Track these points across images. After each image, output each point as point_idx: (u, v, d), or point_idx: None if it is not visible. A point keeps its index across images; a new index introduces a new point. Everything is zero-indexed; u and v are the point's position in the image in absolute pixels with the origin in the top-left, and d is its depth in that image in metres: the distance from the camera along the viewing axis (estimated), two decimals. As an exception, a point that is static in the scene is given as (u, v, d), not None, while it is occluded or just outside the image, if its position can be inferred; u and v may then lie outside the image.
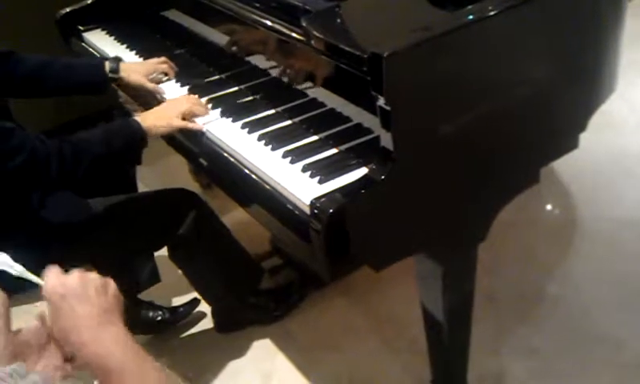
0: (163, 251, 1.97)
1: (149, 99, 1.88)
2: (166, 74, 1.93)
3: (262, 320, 2.18)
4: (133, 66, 1.94)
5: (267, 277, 2.24)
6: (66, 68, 1.91)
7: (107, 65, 1.89)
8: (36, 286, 1.02)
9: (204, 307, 2.22)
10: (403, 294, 2.19)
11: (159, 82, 1.91)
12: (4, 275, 1.06)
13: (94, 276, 0.99)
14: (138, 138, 1.64)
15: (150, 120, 1.66)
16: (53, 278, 0.97)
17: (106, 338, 0.93)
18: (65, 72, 1.91)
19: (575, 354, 1.94)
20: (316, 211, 1.23)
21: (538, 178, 1.54)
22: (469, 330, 1.67)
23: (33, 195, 1.67)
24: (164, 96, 1.86)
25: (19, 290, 1.49)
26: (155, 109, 1.73)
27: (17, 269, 1.07)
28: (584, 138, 1.61)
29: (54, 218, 1.69)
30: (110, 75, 1.88)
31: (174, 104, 1.72)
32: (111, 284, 1.00)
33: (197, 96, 1.76)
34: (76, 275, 0.97)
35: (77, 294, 0.94)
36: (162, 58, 1.94)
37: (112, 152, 1.60)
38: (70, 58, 1.98)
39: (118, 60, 1.93)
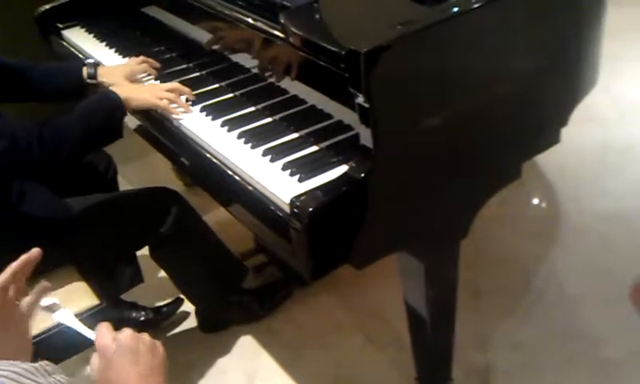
0: (146, 251, 1.95)
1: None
2: (146, 74, 1.90)
3: (246, 319, 2.17)
4: (112, 69, 1.91)
5: (252, 275, 2.23)
6: (43, 74, 1.88)
7: (85, 70, 1.86)
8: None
9: (188, 307, 2.21)
10: (387, 290, 2.18)
11: (140, 81, 1.88)
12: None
13: (145, 336, 1.02)
14: (118, 109, 1.63)
15: (127, 91, 1.67)
16: (105, 333, 1.00)
17: None
18: (42, 78, 1.88)
19: (559, 348, 1.94)
20: (296, 210, 1.22)
21: (520, 174, 1.53)
22: (453, 325, 1.67)
23: (12, 188, 1.64)
24: None
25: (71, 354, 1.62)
26: (133, 84, 1.74)
27: (74, 323, 1.13)
28: (567, 131, 1.60)
29: (32, 212, 1.67)
30: (88, 81, 1.86)
31: (154, 85, 1.75)
32: (160, 346, 1.03)
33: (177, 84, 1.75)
34: (128, 333, 1.00)
35: (128, 351, 0.97)
36: (141, 58, 1.91)
37: (92, 128, 1.60)
38: (48, 64, 1.94)
39: (95, 65, 1.89)
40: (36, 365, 0.72)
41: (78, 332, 1.11)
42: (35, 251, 1.12)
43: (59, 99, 1.94)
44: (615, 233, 2.35)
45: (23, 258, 1.11)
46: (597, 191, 2.58)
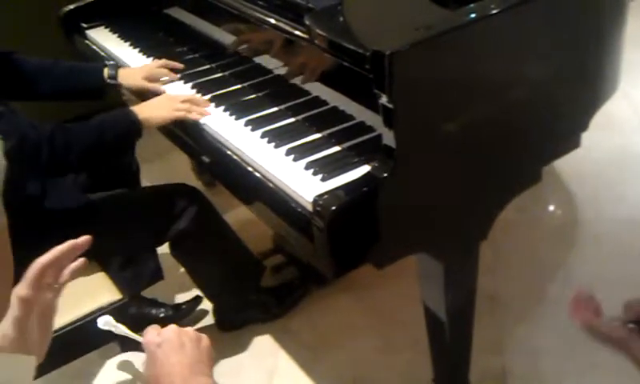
0: (166, 249, 1.97)
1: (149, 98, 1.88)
2: (165, 76, 1.92)
3: (263, 318, 2.18)
4: (131, 71, 1.95)
5: (269, 275, 2.25)
6: (64, 73, 1.92)
7: (106, 71, 1.90)
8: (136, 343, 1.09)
9: (207, 305, 2.22)
10: (405, 292, 2.18)
11: (159, 82, 1.91)
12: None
13: (189, 330, 1.04)
14: (133, 130, 1.66)
15: (146, 111, 1.69)
16: (151, 331, 1.04)
17: None
18: (63, 77, 1.92)
19: (577, 355, 1.93)
20: (319, 208, 1.23)
21: (540, 177, 1.54)
22: (471, 329, 1.67)
23: (29, 185, 1.67)
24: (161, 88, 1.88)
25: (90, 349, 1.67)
26: (152, 100, 1.76)
27: (120, 329, 1.18)
28: (587, 138, 1.61)
29: (54, 206, 1.70)
30: (109, 81, 1.90)
31: (171, 98, 1.75)
32: (205, 339, 1.05)
33: (196, 93, 1.77)
34: (173, 328, 1.03)
35: (172, 344, 1.00)
36: (162, 61, 1.94)
37: (105, 141, 1.63)
38: (70, 63, 1.98)
39: (116, 66, 1.94)
40: None
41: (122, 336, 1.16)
42: (85, 238, 1.08)
43: (79, 98, 1.98)
44: (634, 239, 2.34)
45: (70, 242, 1.07)
46: (616, 197, 2.57)
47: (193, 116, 1.68)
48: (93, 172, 1.90)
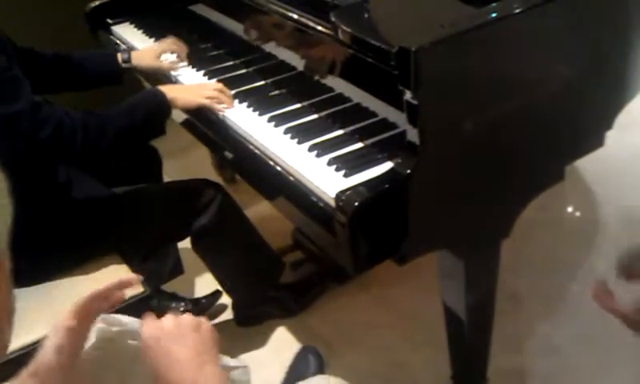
0: (187, 243, 1.99)
1: (163, 80, 1.94)
2: (175, 54, 2.00)
3: (281, 314, 2.20)
4: (143, 51, 2.02)
5: (288, 271, 2.26)
6: (80, 62, 1.97)
7: (119, 56, 1.96)
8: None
9: (226, 299, 2.24)
10: (424, 289, 2.19)
11: (172, 63, 1.98)
12: None
13: (187, 317, 1.00)
14: (163, 107, 1.70)
15: (174, 92, 1.73)
16: (149, 323, 0.99)
17: (204, 378, 0.93)
18: (80, 66, 1.96)
19: (597, 353, 1.93)
20: (341, 204, 1.24)
21: (563, 176, 1.54)
22: (490, 327, 1.67)
23: (59, 171, 1.71)
24: (179, 75, 1.95)
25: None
26: (181, 85, 1.80)
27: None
28: (610, 137, 1.60)
29: (79, 197, 1.74)
30: (123, 65, 1.95)
31: (201, 85, 1.81)
32: (204, 322, 1.01)
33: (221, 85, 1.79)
34: (170, 318, 0.99)
35: (173, 336, 0.96)
36: (171, 39, 2.02)
37: (136, 121, 1.66)
38: (83, 52, 2.02)
39: (129, 50, 2.00)
40: None
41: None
42: (134, 277, 1.12)
43: (96, 86, 2.02)
44: (656, 240, 2.33)
45: (122, 279, 1.09)
46: (637, 197, 2.55)
47: (219, 106, 1.70)
48: (120, 160, 1.93)
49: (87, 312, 1.03)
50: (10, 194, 0.70)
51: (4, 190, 0.70)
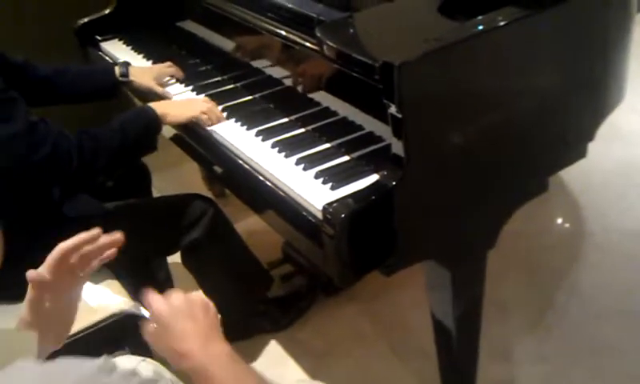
0: (176, 258, 2.00)
1: (154, 99, 1.93)
2: (173, 77, 2.01)
3: (270, 328, 2.20)
4: (141, 69, 2.02)
5: (278, 284, 2.27)
6: (77, 75, 1.98)
7: (117, 69, 1.97)
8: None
9: (216, 313, 2.24)
10: (411, 300, 2.21)
11: (167, 85, 1.99)
12: None
13: (197, 296, 1.03)
14: (154, 124, 1.71)
15: (164, 107, 1.75)
16: (157, 301, 1.01)
17: (213, 350, 0.97)
18: (77, 79, 1.97)
19: (583, 363, 1.95)
20: (328, 216, 1.26)
21: (547, 187, 1.56)
22: (478, 337, 1.69)
23: (54, 191, 1.72)
24: (173, 98, 1.94)
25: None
26: (170, 100, 1.83)
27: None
28: (593, 150, 1.63)
29: (70, 212, 1.74)
30: (121, 79, 1.96)
31: (190, 100, 1.83)
32: (211, 305, 1.04)
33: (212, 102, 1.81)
34: (180, 295, 1.01)
35: (183, 312, 0.99)
36: (169, 63, 2.03)
37: (128, 140, 1.67)
38: (81, 66, 2.04)
39: (127, 64, 2.01)
40: (94, 364, 0.69)
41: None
42: (117, 236, 1.08)
43: (94, 99, 2.03)
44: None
45: (95, 232, 1.06)
46: (622, 209, 2.58)
47: (208, 120, 1.72)
48: (110, 176, 1.94)
49: (58, 266, 1.01)
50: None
51: None
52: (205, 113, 1.73)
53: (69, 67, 1.99)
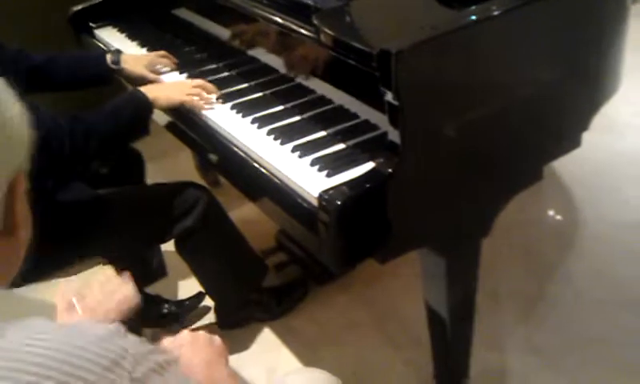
0: (170, 246, 2.00)
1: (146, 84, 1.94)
2: (165, 67, 2.01)
3: (263, 317, 2.21)
4: (133, 57, 2.02)
5: (272, 273, 2.27)
6: (69, 62, 1.97)
7: (109, 57, 1.97)
8: None
9: (209, 301, 2.25)
10: (404, 290, 2.22)
11: (159, 73, 1.98)
12: None
13: (201, 332, 1.14)
14: (146, 108, 1.72)
15: (155, 91, 1.75)
16: (169, 340, 1.12)
17: (217, 375, 1.07)
18: (70, 66, 1.97)
19: (575, 353, 1.96)
20: (324, 203, 1.26)
21: (542, 176, 1.57)
22: (471, 326, 1.70)
23: (47, 180, 1.71)
24: (162, 77, 1.96)
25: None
26: (163, 83, 1.83)
27: None
28: (588, 140, 1.64)
29: (64, 199, 1.74)
30: (112, 66, 1.96)
31: (181, 82, 1.84)
32: (217, 338, 1.15)
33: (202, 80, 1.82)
34: (185, 332, 1.14)
35: (188, 344, 1.10)
36: (162, 52, 2.03)
37: (121, 125, 1.67)
38: (73, 53, 2.03)
39: (119, 52, 2.01)
40: (112, 327, 0.72)
41: None
42: None
43: (86, 87, 2.02)
44: (632, 240, 2.38)
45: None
46: (616, 200, 2.60)
47: (200, 104, 1.73)
48: (104, 162, 1.94)
49: None
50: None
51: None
52: (196, 95, 1.73)
53: (61, 55, 1.98)
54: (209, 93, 1.76)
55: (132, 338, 0.71)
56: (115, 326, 0.71)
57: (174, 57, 2.02)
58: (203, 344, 1.11)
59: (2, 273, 0.77)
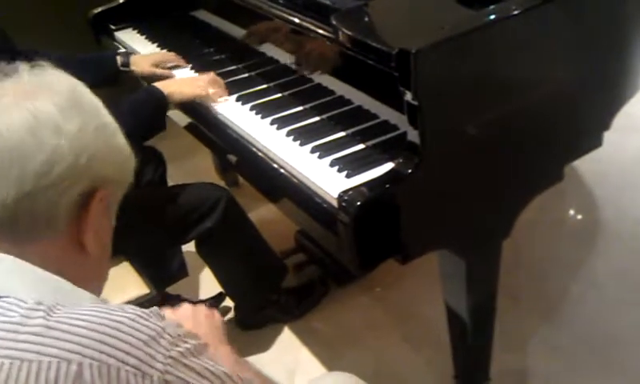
0: (191, 247, 2.01)
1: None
2: (173, 63, 2.05)
3: (283, 318, 2.21)
4: (142, 57, 2.07)
5: (291, 273, 2.27)
6: (81, 63, 1.99)
7: (119, 59, 2.02)
8: None
9: (230, 302, 2.25)
10: (424, 291, 2.21)
11: (168, 69, 2.03)
12: None
13: (201, 306, 1.12)
14: (162, 103, 1.75)
15: (170, 87, 1.79)
16: (167, 311, 1.07)
17: (218, 353, 1.02)
18: (81, 67, 1.97)
19: (597, 354, 1.94)
20: (344, 204, 1.26)
21: (562, 176, 1.56)
22: (492, 327, 1.69)
23: None
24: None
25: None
26: (175, 79, 1.87)
27: None
28: (609, 139, 1.62)
29: None
30: (122, 68, 2.02)
31: (194, 77, 1.88)
32: (217, 314, 1.13)
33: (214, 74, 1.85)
34: (187, 306, 1.10)
35: (189, 319, 1.06)
36: (171, 53, 2.08)
37: (139, 122, 1.69)
38: (84, 54, 2.06)
39: (128, 54, 2.06)
40: (151, 309, 0.76)
41: None
42: None
43: (95, 86, 2.04)
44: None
45: None
46: (637, 199, 2.57)
47: (213, 97, 1.76)
48: None
49: None
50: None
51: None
52: (210, 89, 1.76)
53: (73, 56, 2.01)
54: (220, 86, 1.78)
55: (169, 321, 0.75)
56: (155, 308, 0.76)
57: (192, 58, 2.03)
58: (204, 318, 1.08)
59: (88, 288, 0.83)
